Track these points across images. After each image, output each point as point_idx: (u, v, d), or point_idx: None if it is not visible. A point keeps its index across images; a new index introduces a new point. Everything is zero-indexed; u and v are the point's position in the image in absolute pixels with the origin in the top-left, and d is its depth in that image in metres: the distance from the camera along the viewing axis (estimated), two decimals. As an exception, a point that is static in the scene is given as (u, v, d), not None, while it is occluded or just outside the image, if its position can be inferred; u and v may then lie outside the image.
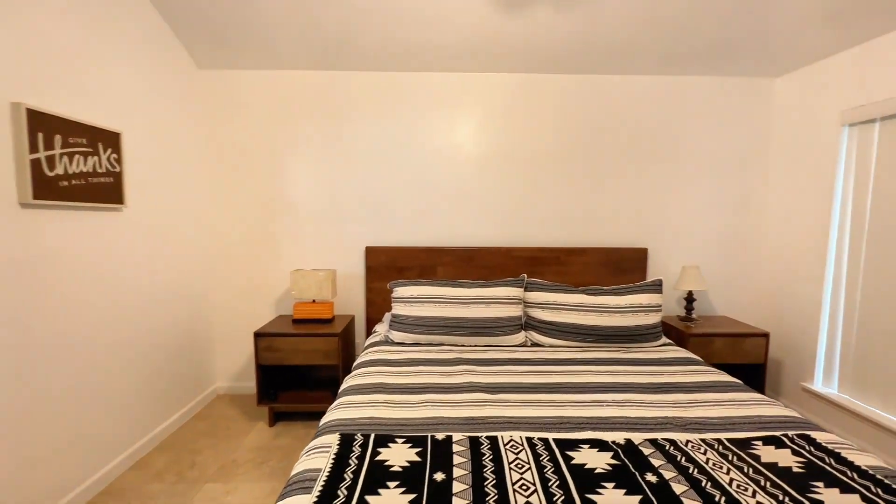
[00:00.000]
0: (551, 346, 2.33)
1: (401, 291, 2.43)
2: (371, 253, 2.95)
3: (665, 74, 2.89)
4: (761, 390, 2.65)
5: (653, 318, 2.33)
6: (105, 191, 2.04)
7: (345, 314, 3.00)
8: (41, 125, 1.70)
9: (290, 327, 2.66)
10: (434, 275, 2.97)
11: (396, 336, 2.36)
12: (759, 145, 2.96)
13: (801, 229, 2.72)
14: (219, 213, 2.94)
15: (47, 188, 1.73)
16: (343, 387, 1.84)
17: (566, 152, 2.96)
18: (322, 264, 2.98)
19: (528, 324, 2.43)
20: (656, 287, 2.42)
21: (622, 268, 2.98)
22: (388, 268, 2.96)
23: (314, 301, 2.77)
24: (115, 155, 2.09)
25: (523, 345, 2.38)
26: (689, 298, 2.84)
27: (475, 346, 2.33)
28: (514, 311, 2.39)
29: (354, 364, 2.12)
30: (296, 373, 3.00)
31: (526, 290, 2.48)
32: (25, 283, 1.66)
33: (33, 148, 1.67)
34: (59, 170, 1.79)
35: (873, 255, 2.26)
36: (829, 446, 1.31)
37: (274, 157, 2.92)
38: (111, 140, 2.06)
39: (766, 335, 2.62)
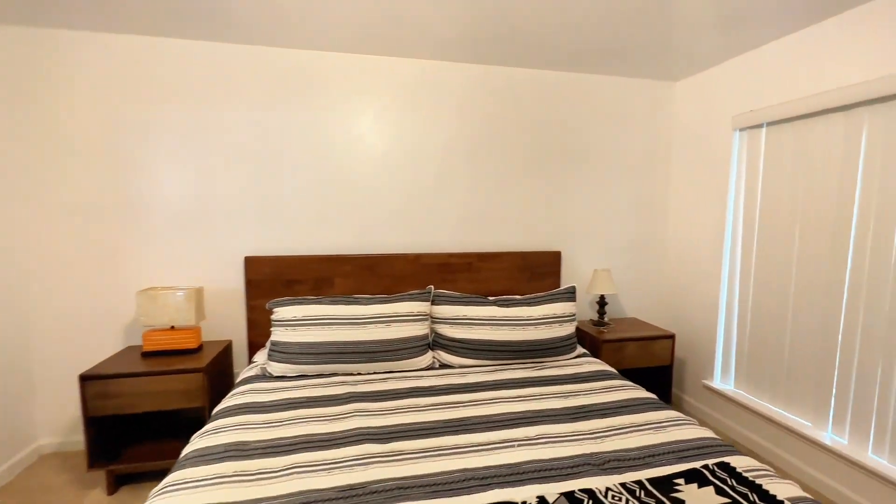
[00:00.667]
0: (461, 367, 2.06)
1: (282, 313, 1.99)
2: (252, 264, 2.45)
3: (574, 71, 2.79)
4: (668, 390, 2.67)
5: (567, 329, 2.18)
6: None
7: (219, 340, 2.46)
8: None
9: (138, 363, 2.07)
10: (331, 288, 2.56)
11: (276, 368, 1.92)
12: (662, 148, 3.00)
13: (699, 230, 2.78)
14: (37, 219, 2.23)
15: None
16: (183, 453, 1.37)
17: (476, 149, 2.73)
18: (186, 280, 2.41)
19: (437, 342, 2.14)
20: (570, 295, 2.28)
21: (537, 272, 2.83)
22: (274, 282, 2.48)
23: (173, 328, 2.21)
24: None
25: (431, 367, 2.08)
26: (602, 302, 2.78)
27: (374, 373, 1.98)
28: (420, 329, 2.08)
29: (214, 412, 1.65)
30: (150, 419, 2.40)
31: (433, 303, 2.18)
32: None
33: None
34: None
35: (763, 253, 2.34)
36: (750, 476, 1.19)
37: (117, 147, 2.28)
38: None
39: (671, 337, 2.63)
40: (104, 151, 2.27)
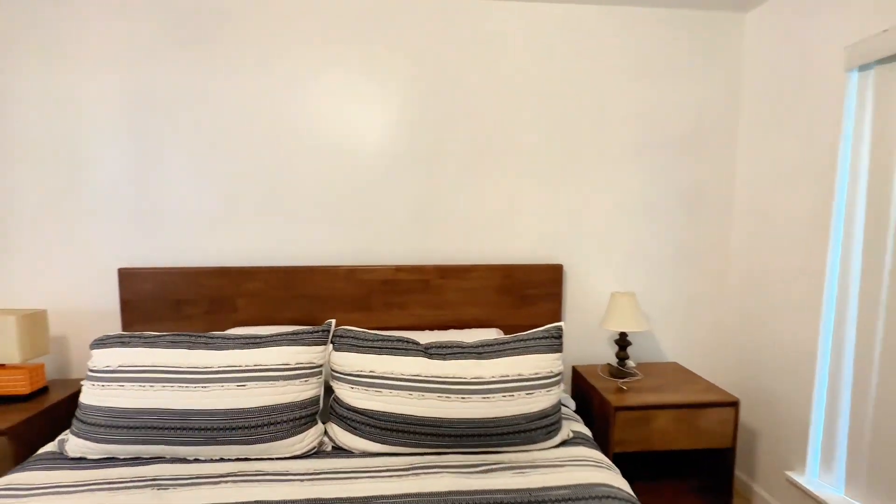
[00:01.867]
0: (363, 456, 1.28)
1: (98, 358, 1.32)
2: (129, 278, 1.83)
3: (587, 3, 1.89)
4: (727, 479, 1.71)
5: (544, 401, 1.31)
6: None
7: (74, 379, 1.86)
8: None
9: (-60, 416, 1.51)
10: (233, 313, 1.88)
11: (74, 445, 1.26)
12: (724, 110, 2.02)
13: (785, 232, 1.78)
14: None
15: None
16: None
17: (438, 118, 1.93)
18: (27, 300, 1.84)
19: (333, 410, 1.37)
20: (553, 341, 1.39)
21: (528, 295, 1.98)
22: (157, 302, 1.85)
23: (3, 365, 1.63)
24: None
25: (316, 453, 1.32)
26: (622, 342, 1.86)
27: (220, 459, 1.26)
28: (302, 390, 1.32)
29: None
30: None
31: (334, 347, 1.41)
32: None
33: None
34: None
35: (909, 280, 1.33)
36: None
37: (-49, 123, 1.76)
38: None
39: (734, 404, 1.67)
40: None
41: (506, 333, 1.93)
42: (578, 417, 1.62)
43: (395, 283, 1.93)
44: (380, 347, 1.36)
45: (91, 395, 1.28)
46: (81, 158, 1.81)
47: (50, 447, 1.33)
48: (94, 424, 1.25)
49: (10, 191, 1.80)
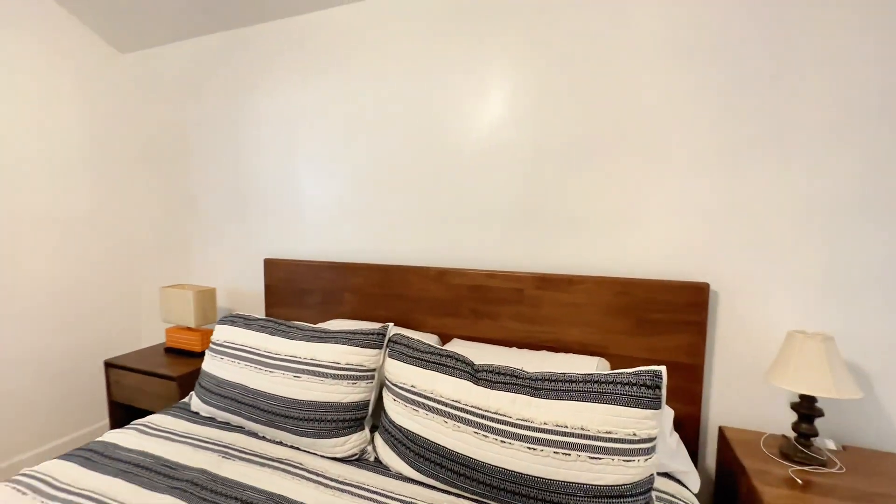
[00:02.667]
0: (396, 483, 1.16)
1: (217, 333, 1.59)
2: (271, 267, 2.18)
3: None
4: None
5: (618, 474, 0.92)
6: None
7: None
8: None
9: (151, 359, 2.09)
10: (340, 304, 2.03)
11: (195, 403, 1.53)
12: None
13: None
14: (128, 212, 2.59)
15: None
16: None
17: (543, 113, 1.65)
18: (203, 279, 2.35)
19: (381, 421, 1.29)
20: (643, 391, 0.96)
21: (651, 319, 1.51)
22: (288, 288, 2.15)
23: (189, 328, 2.15)
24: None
25: (357, 460, 1.26)
26: (808, 411, 1.22)
27: (280, 443, 1.33)
28: (349, 392, 1.28)
29: (93, 443, 1.37)
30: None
31: (389, 353, 1.33)
32: None
33: None
34: None
35: None
36: None
37: (180, 144, 2.42)
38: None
39: None
40: (172, 150, 2.43)
41: (613, 367, 1.51)
42: (703, 508, 1.12)
43: (487, 290, 1.74)
44: (426, 360, 1.21)
45: (208, 363, 1.54)
46: (245, 170, 2.24)
47: (188, 398, 1.65)
48: (204, 388, 1.50)
49: (196, 198, 2.37)
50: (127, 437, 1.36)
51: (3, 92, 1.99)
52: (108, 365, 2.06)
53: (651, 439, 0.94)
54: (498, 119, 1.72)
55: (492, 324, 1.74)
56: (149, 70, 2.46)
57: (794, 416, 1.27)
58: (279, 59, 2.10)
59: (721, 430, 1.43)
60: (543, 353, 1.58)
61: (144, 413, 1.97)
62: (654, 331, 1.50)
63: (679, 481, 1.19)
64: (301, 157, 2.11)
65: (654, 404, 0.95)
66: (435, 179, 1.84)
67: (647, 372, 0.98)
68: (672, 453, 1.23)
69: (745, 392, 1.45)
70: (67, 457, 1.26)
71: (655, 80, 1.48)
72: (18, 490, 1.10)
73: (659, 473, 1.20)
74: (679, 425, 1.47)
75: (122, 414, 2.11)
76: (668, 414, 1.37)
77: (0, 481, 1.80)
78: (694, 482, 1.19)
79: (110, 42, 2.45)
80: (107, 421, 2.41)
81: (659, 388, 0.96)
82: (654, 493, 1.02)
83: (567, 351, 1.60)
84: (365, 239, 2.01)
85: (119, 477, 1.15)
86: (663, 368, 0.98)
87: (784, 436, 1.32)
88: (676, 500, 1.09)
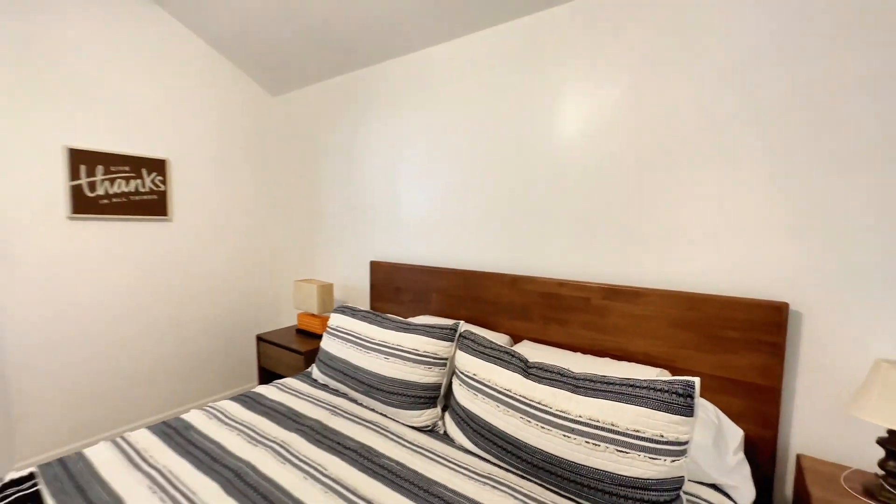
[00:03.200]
0: (457, 452, 1.40)
1: (332, 319, 2.02)
2: (375, 268, 2.60)
3: None
4: None
5: (643, 468, 1.02)
6: (150, 206, 2.59)
7: None
8: (84, 158, 2.31)
9: (288, 336, 2.67)
10: (429, 302, 2.34)
11: (316, 372, 1.98)
12: None
13: None
14: (266, 222, 3.28)
15: (89, 205, 2.34)
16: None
17: (617, 128, 1.73)
18: (343, 275, 2.86)
19: (450, 401, 1.54)
20: (673, 398, 1.04)
21: (722, 336, 1.50)
22: (387, 286, 2.54)
23: (314, 315, 2.69)
24: (159, 177, 2.62)
25: (430, 431, 1.53)
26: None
27: (372, 410, 1.68)
28: (425, 374, 1.57)
29: (246, 393, 1.89)
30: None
31: (458, 346, 1.58)
32: (81, 273, 2.31)
33: (75, 176, 2.28)
34: (102, 191, 2.39)
35: None
36: None
37: (311, 167, 3.01)
38: (156, 165, 2.60)
39: None
40: (305, 172, 3.03)
41: (677, 379, 1.53)
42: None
43: (557, 298, 1.88)
44: (487, 354, 1.43)
45: (324, 342, 1.97)
46: (357, 188, 2.70)
47: (310, 369, 2.12)
48: (322, 361, 1.93)
49: (320, 210, 2.91)
50: (270, 391, 1.84)
51: (189, 126, 2.76)
52: (259, 339, 2.69)
53: (680, 443, 1.02)
54: (570, 137, 1.84)
55: (560, 329, 1.87)
56: (291, 108, 3.11)
57: (882, 453, 1.17)
58: (383, 94, 2.50)
59: (798, 459, 1.36)
60: (607, 360, 1.67)
61: (280, 376, 2.54)
62: (726, 348, 1.48)
63: (728, 495, 1.21)
64: (400, 176, 2.49)
65: (686, 412, 1.03)
66: (511, 194, 2.04)
67: (681, 381, 1.06)
68: (728, 470, 1.24)
69: (829, 421, 1.35)
70: (233, 399, 1.78)
71: (735, 89, 1.47)
72: (206, 414, 1.62)
73: (706, 484, 1.23)
74: (752, 447, 1.44)
75: (265, 376, 2.73)
76: (732, 432, 1.37)
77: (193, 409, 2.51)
78: (745, 498, 1.19)
79: (265, 87, 3.16)
80: (256, 381, 3.11)
81: (691, 397, 1.03)
82: (694, 500, 1.09)
83: (632, 361, 1.66)
84: (450, 247, 2.30)
85: (264, 416, 1.60)
86: (697, 380, 1.05)
87: (873, 473, 1.22)
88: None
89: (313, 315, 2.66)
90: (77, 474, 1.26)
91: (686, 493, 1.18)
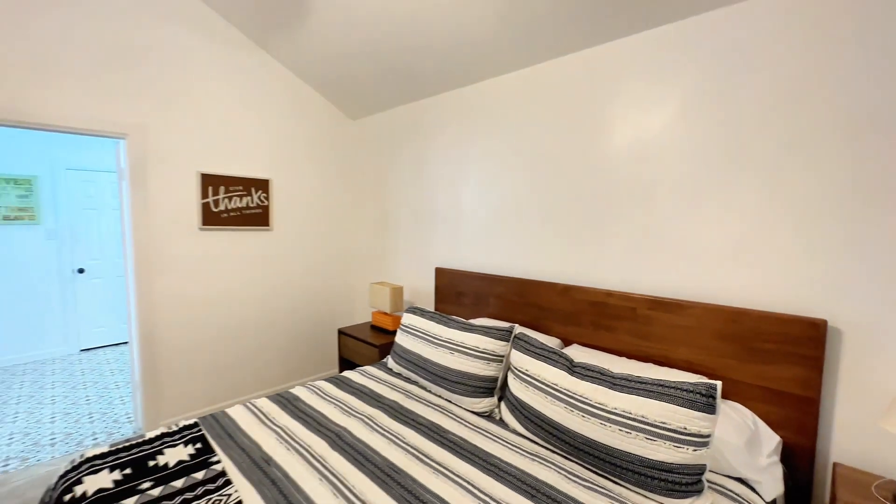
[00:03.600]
0: (510, 434, 1.66)
1: (405, 318, 2.37)
2: (439, 274, 2.93)
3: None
4: None
5: (668, 454, 1.22)
6: (257, 218, 3.14)
7: None
8: (211, 181, 2.88)
9: (364, 331, 3.08)
10: (487, 306, 2.62)
11: (391, 362, 2.34)
12: None
13: None
14: (344, 231, 3.73)
15: (213, 218, 2.92)
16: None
17: (661, 147, 1.90)
18: (410, 279, 3.23)
19: (508, 396, 1.81)
20: (696, 397, 1.22)
21: (761, 348, 1.62)
22: (449, 290, 2.86)
23: (386, 313, 3.07)
24: (264, 194, 3.16)
25: (488, 416, 1.81)
26: (917, 457, 1.22)
27: (439, 396, 1.99)
28: (484, 368, 1.84)
29: (336, 376, 2.30)
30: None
31: (513, 345, 1.84)
32: (207, 273, 2.89)
33: (204, 195, 2.86)
34: (223, 207, 2.96)
35: None
36: None
37: (383, 182, 3.41)
38: (261, 184, 3.14)
39: None
40: (380, 187, 3.44)
41: (723, 389, 1.66)
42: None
43: (605, 307, 2.07)
44: (538, 354, 1.68)
45: (399, 337, 2.32)
46: (423, 201, 3.04)
47: (386, 359, 2.49)
48: (396, 353, 2.28)
49: (391, 221, 3.28)
50: (355, 375, 2.23)
51: (285, 149, 3.27)
52: (340, 332, 3.13)
53: (702, 435, 1.21)
54: (620, 158, 2.02)
55: (608, 335, 2.05)
56: (366, 130, 3.54)
57: (912, 464, 1.26)
58: (447, 119, 2.81)
59: (834, 467, 1.46)
60: (650, 365, 1.83)
61: (357, 365, 2.95)
62: (765, 360, 1.60)
63: (753, 489, 1.35)
64: (462, 192, 2.79)
65: (708, 409, 1.21)
66: (564, 209, 2.25)
67: (705, 384, 1.24)
68: (759, 469, 1.38)
69: (867, 433, 1.43)
70: (327, 380, 2.18)
71: (777, 115, 1.58)
72: (308, 390, 2.03)
73: (733, 477, 1.38)
74: (791, 454, 1.55)
75: (344, 364, 3.17)
76: (768, 437, 1.49)
77: (298, 385, 3.00)
78: (768, 494, 1.33)
79: (344, 112, 3.62)
80: (336, 367, 3.58)
81: (713, 397, 1.22)
82: (718, 487, 1.27)
83: (674, 367, 1.81)
84: (507, 257, 2.55)
85: (352, 395, 1.98)
86: (719, 384, 1.23)
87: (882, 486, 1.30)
88: (741, 500, 1.28)
89: (386, 313, 3.05)
90: (225, 426, 1.71)
91: (711, 482, 1.35)
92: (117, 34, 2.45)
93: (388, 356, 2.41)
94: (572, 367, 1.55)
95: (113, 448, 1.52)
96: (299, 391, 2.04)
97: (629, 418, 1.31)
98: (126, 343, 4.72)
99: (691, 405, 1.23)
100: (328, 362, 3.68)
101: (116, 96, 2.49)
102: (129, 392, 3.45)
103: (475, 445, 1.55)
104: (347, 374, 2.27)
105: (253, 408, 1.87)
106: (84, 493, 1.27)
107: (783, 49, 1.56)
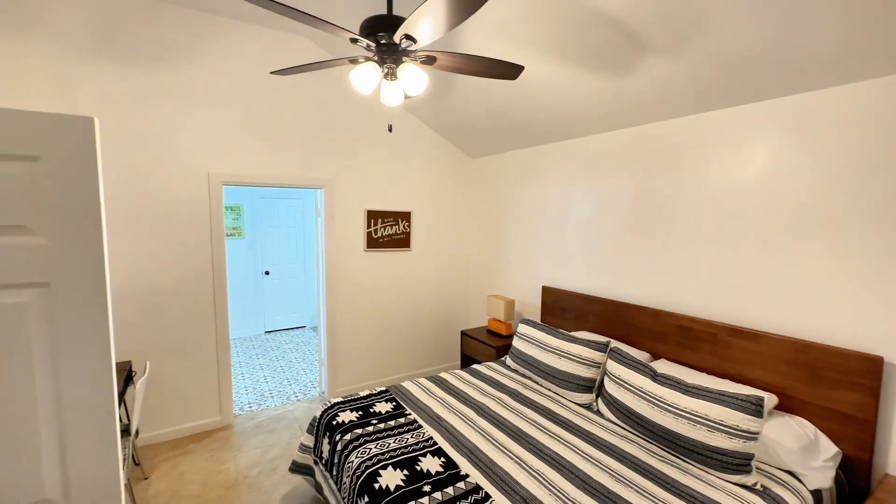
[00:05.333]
0: (604, 421, 2.26)
1: (521, 328, 3.07)
2: (545, 291, 3.58)
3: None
4: None
5: (724, 443, 1.71)
6: (401, 241, 4.11)
7: None
8: (372, 215, 3.90)
9: (482, 333, 3.86)
10: (586, 321, 3.19)
11: (509, 360, 3.06)
12: None
13: None
14: (470, 249, 4.54)
15: (373, 243, 3.94)
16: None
17: (759, 194, 2.31)
18: (517, 293, 3.92)
19: (604, 393, 2.40)
20: (747, 405, 1.69)
21: (826, 375, 1.99)
22: (554, 306, 3.48)
23: (500, 320, 3.81)
24: (406, 223, 4.12)
25: (587, 407, 2.42)
26: (944, 470, 1.56)
27: (548, 389, 2.64)
28: (586, 371, 2.46)
29: (469, 367, 3.09)
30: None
31: (609, 355, 2.42)
32: (368, 283, 3.94)
33: (368, 226, 3.89)
34: (379, 234, 3.97)
35: None
36: None
37: (498, 210, 4.15)
38: (405, 215, 4.10)
39: None
40: (494, 215, 4.19)
41: (790, 405, 2.06)
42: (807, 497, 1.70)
43: (689, 330, 2.52)
44: (629, 364, 2.25)
45: (515, 342, 3.03)
46: (534, 229, 3.70)
47: (505, 357, 3.22)
48: (514, 354, 2.99)
49: (504, 242, 3.99)
50: (482, 368, 3.00)
51: (420, 186, 4.17)
52: (463, 333, 3.95)
53: (751, 432, 1.70)
54: (709, 199, 2.45)
55: (691, 353, 2.51)
56: (485, 167, 4.31)
57: (945, 477, 1.58)
58: (556, 162, 3.42)
59: (884, 477, 1.79)
60: (727, 381, 2.27)
61: (475, 361, 3.73)
62: (829, 385, 1.96)
63: (799, 479, 1.78)
64: (567, 222, 3.38)
65: (756, 414, 1.70)
66: (654, 246, 2.73)
67: (755, 396, 1.73)
68: (811, 468, 1.80)
69: (913, 454, 1.74)
70: (462, 369, 2.98)
71: (851, 182, 1.92)
72: (451, 375, 2.84)
73: (784, 469, 1.82)
74: (849, 464, 1.90)
75: (465, 360, 3.98)
76: (826, 447, 1.88)
77: (441, 372, 3.89)
78: (812, 483, 1.74)
79: (465, 152, 4.42)
80: (459, 362, 4.44)
81: (760, 406, 1.70)
82: (768, 473, 1.74)
83: (749, 385, 2.22)
84: (604, 282, 3.09)
85: (483, 382, 2.74)
86: (767, 395, 1.71)
87: (944, 494, 1.62)
88: (785, 484, 1.73)
89: (500, 321, 3.78)
90: (404, 393, 2.58)
91: (762, 469, 1.81)
92: (320, 115, 3.55)
93: (507, 356, 3.13)
94: (655, 376, 2.10)
95: (344, 399, 2.47)
96: (445, 375, 2.87)
97: (695, 415, 1.84)
98: (298, 328, 6.20)
99: (743, 410, 1.73)
100: (450, 356, 4.55)
101: (318, 160, 3.59)
102: (308, 366, 4.71)
103: (578, 425, 2.19)
104: (476, 366, 3.05)
105: (419, 383, 2.73)
106: (342, 421, 2.21)
107: (858, 131, 1.90)
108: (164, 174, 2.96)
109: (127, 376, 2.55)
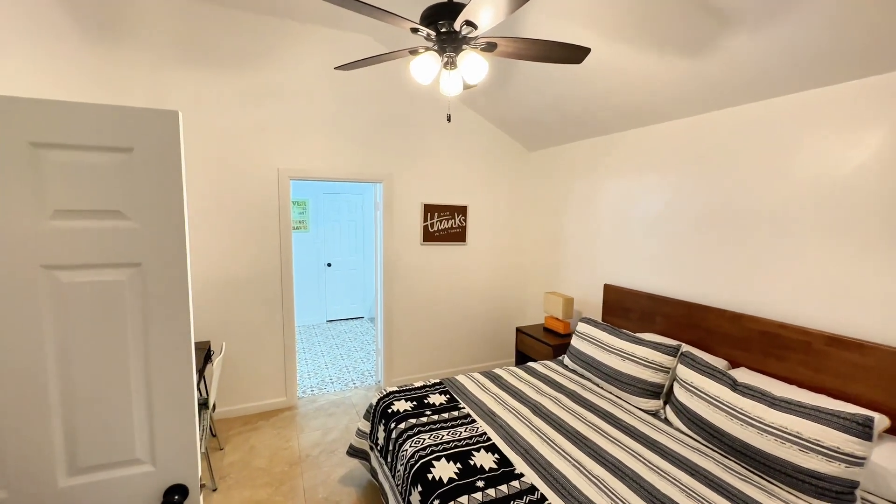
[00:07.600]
0: (672, 430, 2.09)
1: (580, 327, 2.93)
2: (608, 289, 3.39)
3: None
4: None
5: (819, 465, 1.50)
6: (457, 235, 4.10)
7: None
8: (429, 209, 3.93)
9: (538, 331, 3.75)
10: (653, 322, 2.98)
11: (567, 360, 2.94)
12: None
13: None
14: (526, 245, 4.42)
15: (429, 236, 3.97)
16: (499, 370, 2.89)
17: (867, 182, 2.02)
18: (576, 290, 3.76)
19: (673, 400, 2.22)
20: (851, 425, 1.46)
21: (956, 398, 1.68)
22: (617, 305, 3.29)
23: (558, 318, 3.68)
24: (462, 217, 4.10)
25: (653, 414, 2.25)
26: None
27: (609, 392, 2.50)
28: (652, 376, 2.28)
29: (524, 365, 3.01)
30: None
31: (680, 360, 2.23)
32: (424, 276, 3.99)
33: (424, 220, 3.93)
34: (436, 228, 3.99)
35: None
36: None
37: (557, 205, 4.00)
38: (461, 210, 4.09)
39: None
40: (552, 210, 4.04)
41: None
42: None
43: (777, 337, 2.25)
44: (703, 370, 2.06)
45: (574, 341, 2.90)
46: (592, 227, 3.52)
47: (562, 356, 3.10)
48: (572, 353, 2.87)
49: (564, 239, 3.82)
50: (538, 366, 2.91)
51: (478, 180, 4.12)
52: (518, 330, 3.87)
53: (856, 456, 1.47)
54: (792, 198, 2.17)
55: (777, 363, 2.24)
56: (543, 160, 4.16)
57: None
58: (621, 153, 3.21)
59: None
60: (822, 396, 2.00)
61: (530, 359, 3.63)
62: (958, 409, 1.66)
63: (917, 516, 1.51)
64: (632, 218, 3.17)
65: (864, 436, 1.47)
66: (731, 244, 2.47)
67: (863, 415, 1.50)
68: (932, 504, 1.54)
69: None
70: (518, 367, 2.91)
71: None
72: (506, 372, 2.78)
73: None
74: None
75: (520, 357, 3.89)
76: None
77: (496, 368, 3.88)
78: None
79: (523, 145, 4.30)
80: (513, 359, 4.37)
81: (869, 427, 1.47)
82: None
83: (850, 402, 1.94)
84: (673, 281, 2.86)
85: (539, 380, 2.65)
86: (877, 416, 1.47)
87: None
88: (899, 521, 1.49)
89: (558, 319, 3.64)
90: (458, 387, 2.57)
91: (866, 500, 1.56)
92: (380, 112, 3.62)
93: (564, 355, 3.01)
94: (735, 385, 1.90)
95: (400, 389, 2.51)
96: (500, 371, 2.82)
97: (785, 432, 1.63)
98: (357, 318, 6.46)
99: (846, 430, 1.50)
100: (505, 353, 4.48)
101: (377, 155, 3.68)
102: (365, 354, 4.88)
103: (642, 432, 2.05)
104: (532, 364, 2.97)
105: (472, 377, 2.71)
106: (397, 409, 2.25)
107: None
108: (240, 169, 3.19)
109: (206, 354, 2.79)
